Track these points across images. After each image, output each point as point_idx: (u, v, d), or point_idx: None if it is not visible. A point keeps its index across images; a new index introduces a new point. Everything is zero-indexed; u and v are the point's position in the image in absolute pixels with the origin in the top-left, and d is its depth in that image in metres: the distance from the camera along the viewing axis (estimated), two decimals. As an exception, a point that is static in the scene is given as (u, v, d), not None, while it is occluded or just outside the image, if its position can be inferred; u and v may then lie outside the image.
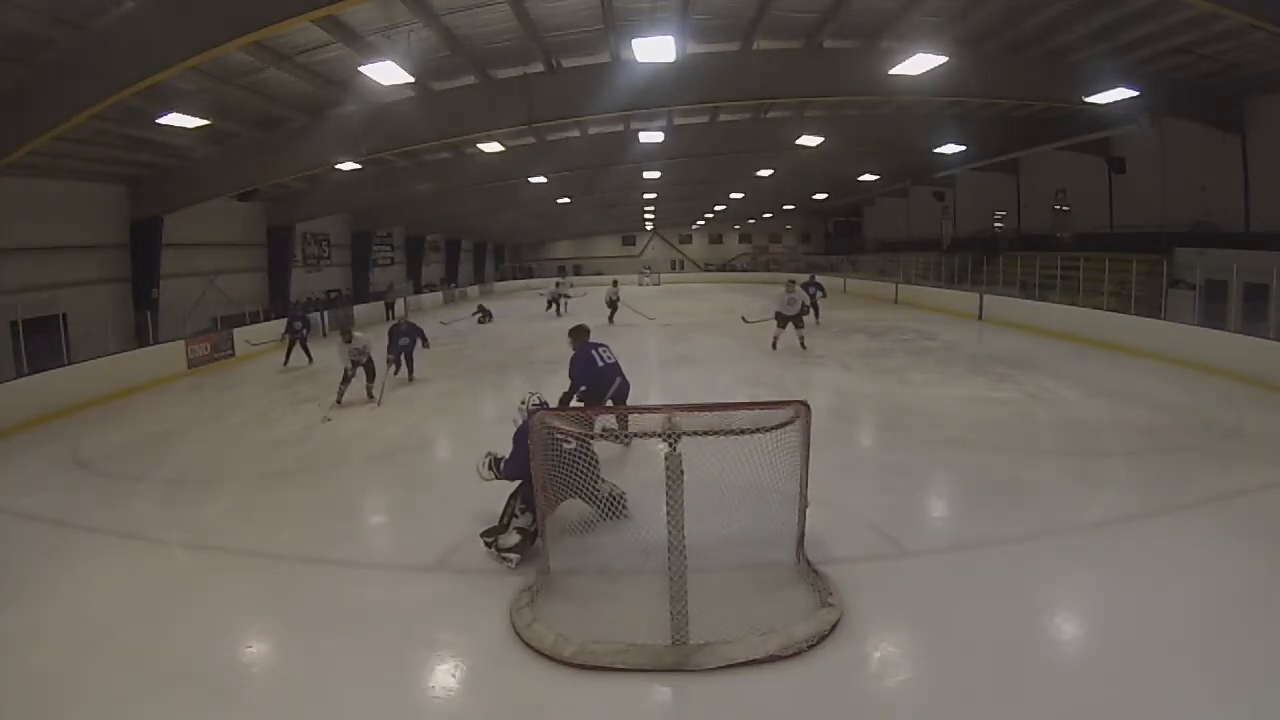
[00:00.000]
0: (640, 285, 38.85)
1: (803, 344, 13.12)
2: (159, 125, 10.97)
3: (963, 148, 18.24)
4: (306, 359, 14.34)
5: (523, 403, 5.19)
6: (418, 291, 29.94)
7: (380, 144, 13.71)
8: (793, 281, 13.74)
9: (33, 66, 8.72)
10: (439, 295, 31.07)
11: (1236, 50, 11.76)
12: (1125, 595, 4.05)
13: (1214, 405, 8.42)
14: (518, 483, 4.80)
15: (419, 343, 11.59)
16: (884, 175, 25.94)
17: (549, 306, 24.30)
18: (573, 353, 7.21)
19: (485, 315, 23.09)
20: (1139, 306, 13.47)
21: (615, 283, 22.81)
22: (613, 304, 20.69)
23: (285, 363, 14.28)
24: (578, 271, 46.31)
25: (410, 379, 11.68)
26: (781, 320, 13.23)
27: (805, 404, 4.07)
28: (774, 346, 13.24)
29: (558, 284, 25.35)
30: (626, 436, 5.96)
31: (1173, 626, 3.68)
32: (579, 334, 7.40)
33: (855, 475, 6.16)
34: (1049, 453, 6.80)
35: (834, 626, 3.69)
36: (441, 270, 34.65)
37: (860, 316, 20.11)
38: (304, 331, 14.57)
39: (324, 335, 19.68)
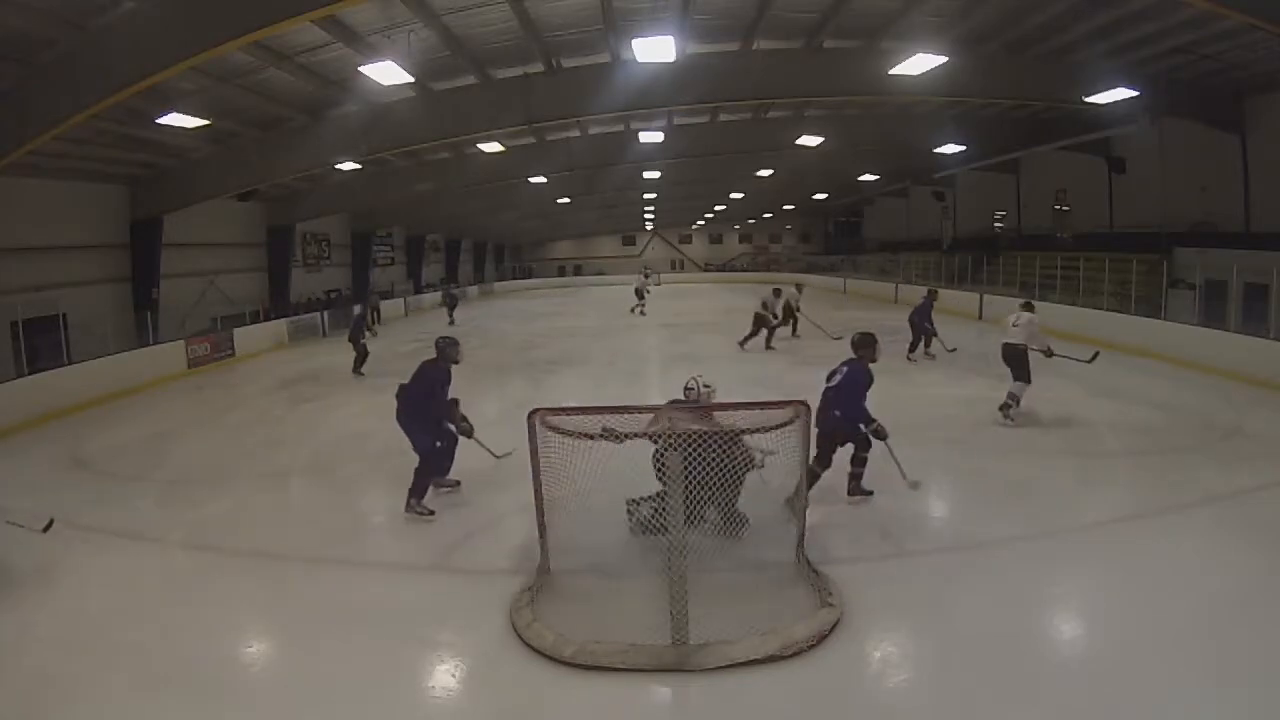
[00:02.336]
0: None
1: (1005, 408, 7.89)
2: (159, 125, 10.97)
3: (963, 148, 18.24)
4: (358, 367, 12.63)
5: (689, 387, 5.10)
6: (418, 291, 29.90)
7: (380, 144, 13.72)
8: (1027, 305, 8.60)
9: (33, 66, 8.72)
10: (439, 295, 31.01)
11: (1236, 50, 11.77)
12: (1125, 595, 4.05)
13: (1214, 405, 8.42)
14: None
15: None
16: (884, 175, 25.96)
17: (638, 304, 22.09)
18: (852, 368, 5.37)
19: (450, 305, 22.27)
20: (1139, 306, 13.48)
21: (799, 286, 15.88)
22: (791, 313, 15.12)
23: (360, 369, 12.56)
24: (578, 271, 46.31)
25: None
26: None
27: (805, 404, 4.08)
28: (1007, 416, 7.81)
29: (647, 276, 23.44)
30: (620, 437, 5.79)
31: (1172, 626, 3.68)
32: (871, 344, 5.48)
33: (855, 475, 6.15)
34: (1049, 453, 6.80)
35: (834, 626, 3.69)
36: (441, 270, 34.62)
37: (860, 317, 20.10)
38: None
39: (324, 335, 19.69)
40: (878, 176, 25.95)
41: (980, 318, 17.93)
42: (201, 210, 16.27)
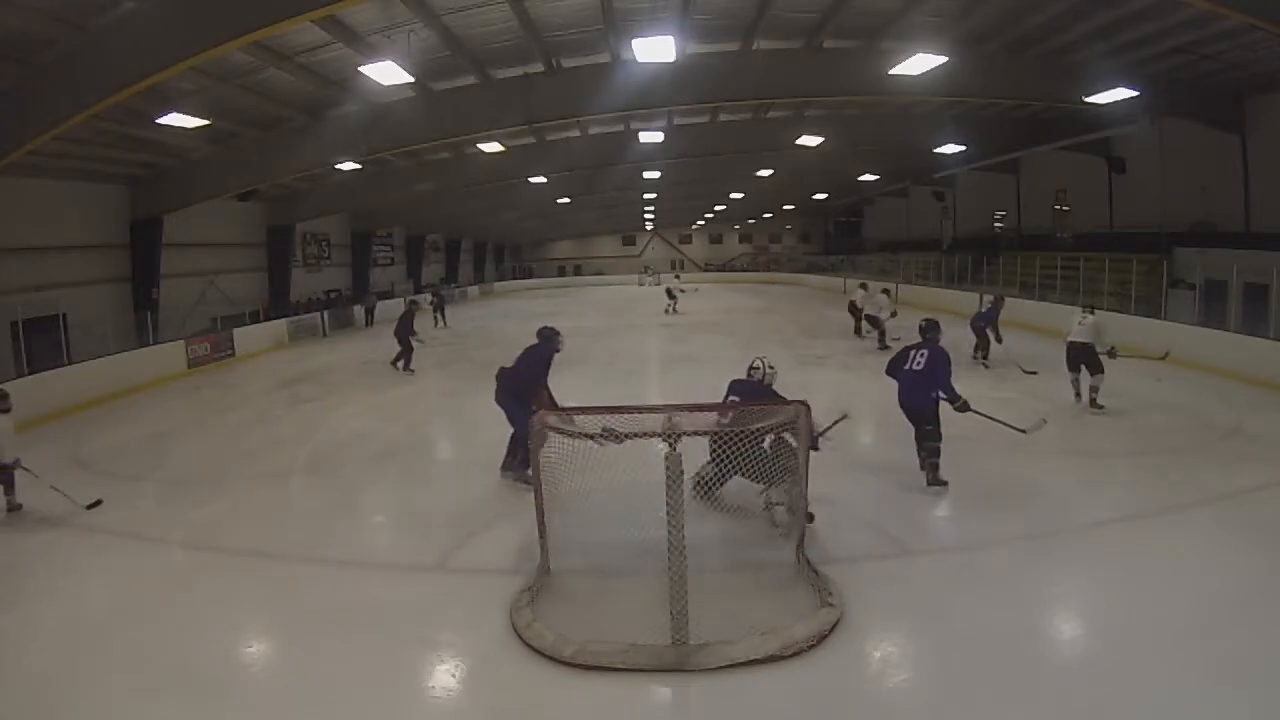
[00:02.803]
0: (641, 286, 38.88)
1: (1094, 401, 8.49)
2: (159, 125, 10.97)
3: (963, 148, 18.24)
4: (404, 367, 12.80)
5: (754, 367, 5.44)
6: (418, 291, 29.89)
7: (380, 144, 13.72)
8: (1090, 309, 9.21)
9: (33, 66, 8.72)
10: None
11: (1236, 50, 11.77)
12: (1124, 595, 4.05)
13: (1214, 405, 8.42)
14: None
15: None
16: (884, 175, 25.96)
17: (670, 304, 22.46)
18: (933, 350, 5.81)
19: (438, 306, 21.24)
20: (1139, 306, 13.47)
21: (864, 286, 15.90)
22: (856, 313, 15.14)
23: (398, 362, 12.85)
24: (578, 271, 46.31)
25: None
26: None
27: (805, 404, 4.08)
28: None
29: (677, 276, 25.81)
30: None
31: (1172, 626, 3.68)
32: (939, 327, 6.06)
33: (855, 475, 6.15)
34: (1049, 453, 6.79)
35: (834, 626, 3.69)
36: (442, 270, 34.63)
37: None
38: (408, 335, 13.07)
39: (324, 335, 19.69)
40: (878, 176, 25.95)
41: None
42: (201, 210, 16.27)
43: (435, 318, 21.02)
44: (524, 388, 5.97)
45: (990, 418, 6.02)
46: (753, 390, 5.36)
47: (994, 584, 4.21)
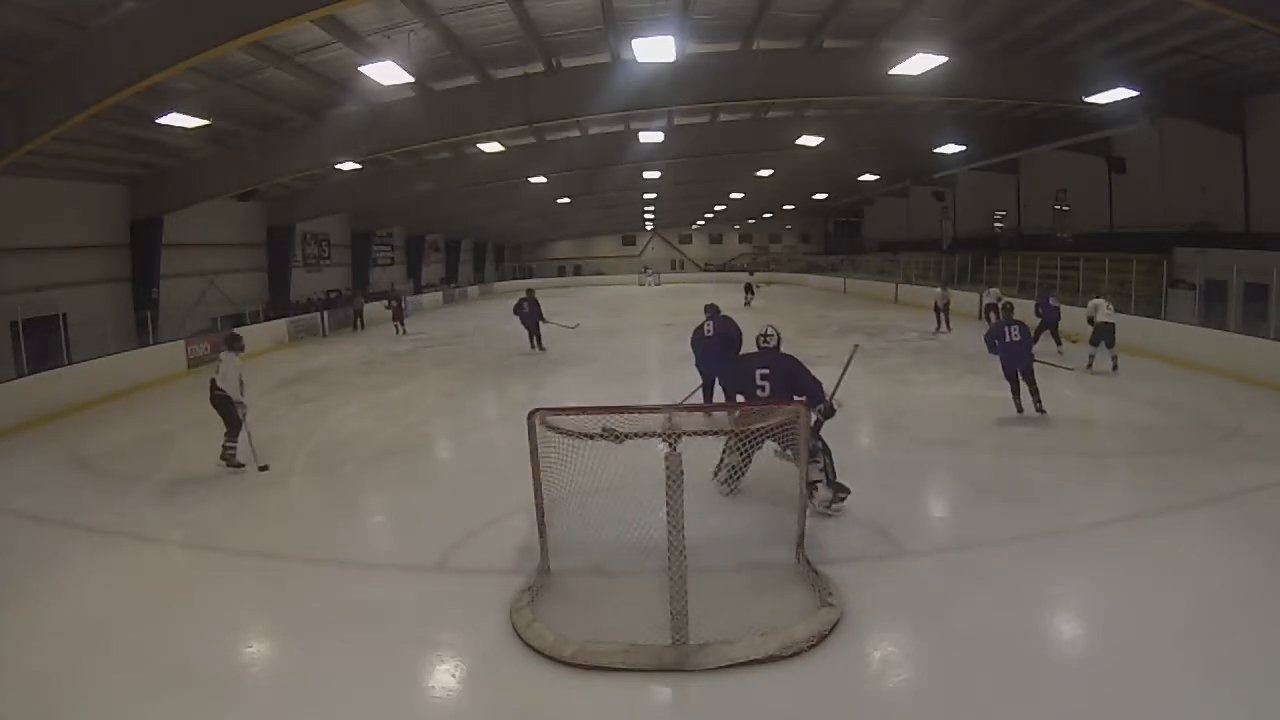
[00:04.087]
0: (641, 285, 38.88)
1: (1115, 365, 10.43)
2: (159, 125, 10.96)
3: (963, 148, 18.24)
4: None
5: (768, 335, 5.62)
6: (418, 291, 29.90)
7: (380, 144, 13.73)
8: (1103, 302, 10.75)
9: (33, 66, 8.72)
10: (439, 295, 31.03)
11: (1236, 50, 11.77)
12: (1124, 595, 4.05)
13: (1214, 405, 8.42)
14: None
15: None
16: (884, 175, 25.96)
17: (748, 297, 25.16)
18: (1022, 325, 7.97)
19: (397, 308, 19.68)
20: (1139, 306, 13.48)
21: (944, 287, 17.50)
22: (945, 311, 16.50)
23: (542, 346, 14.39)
24: (578, 271, 46.30)
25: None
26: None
27: (805, 404, 4.08)
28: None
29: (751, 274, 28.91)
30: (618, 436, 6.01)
31: (1172, 626, 3.68)
32: (1009, 309, 8.61)
33: (855, 475, 6.13)
34: (1049, 452, 6.80)
35: (834, 626, 3.69)
36: (442, 270, 34.63)
37: (860, 316, 20.15)
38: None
39: (324, 335, 19.69)
40: (878, 176, 25.95)
41: (980, 317, 17.91)
42: (201, 210, 16.27)
43: (396, 326, 19.40)
44: (723, 351, 7.61)
45: (1050, 364, 8.80)
46: (774, 357, 5.54)
47: (994, 584, 4.21)
